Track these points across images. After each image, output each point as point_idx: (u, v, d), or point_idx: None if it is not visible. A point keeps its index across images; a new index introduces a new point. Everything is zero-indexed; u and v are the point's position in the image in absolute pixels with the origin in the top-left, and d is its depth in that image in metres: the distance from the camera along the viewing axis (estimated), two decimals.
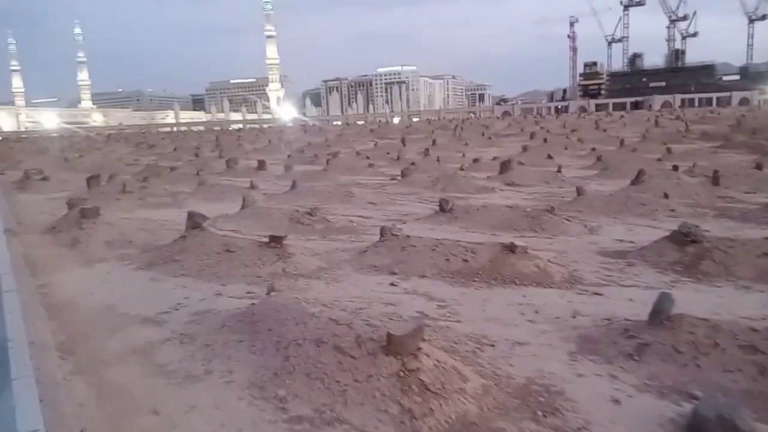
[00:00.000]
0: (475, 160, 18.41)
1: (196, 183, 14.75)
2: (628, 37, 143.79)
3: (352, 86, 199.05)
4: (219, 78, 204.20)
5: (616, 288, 5.89)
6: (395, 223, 9.75)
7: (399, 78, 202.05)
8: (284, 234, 6.80)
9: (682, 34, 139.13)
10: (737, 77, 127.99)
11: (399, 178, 15.70)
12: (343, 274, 6.44)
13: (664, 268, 6.48)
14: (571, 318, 4.99)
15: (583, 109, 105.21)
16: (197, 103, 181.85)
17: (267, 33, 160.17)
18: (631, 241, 7.96)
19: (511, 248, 6.39)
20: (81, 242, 7.92)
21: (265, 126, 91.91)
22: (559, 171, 15.12)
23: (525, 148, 22.29)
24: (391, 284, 5.98)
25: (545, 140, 25.08)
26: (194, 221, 7.45)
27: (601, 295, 5.67)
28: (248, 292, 5.74)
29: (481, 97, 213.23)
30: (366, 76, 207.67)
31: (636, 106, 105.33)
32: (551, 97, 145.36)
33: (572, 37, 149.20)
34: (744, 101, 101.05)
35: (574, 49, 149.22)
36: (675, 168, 14.91)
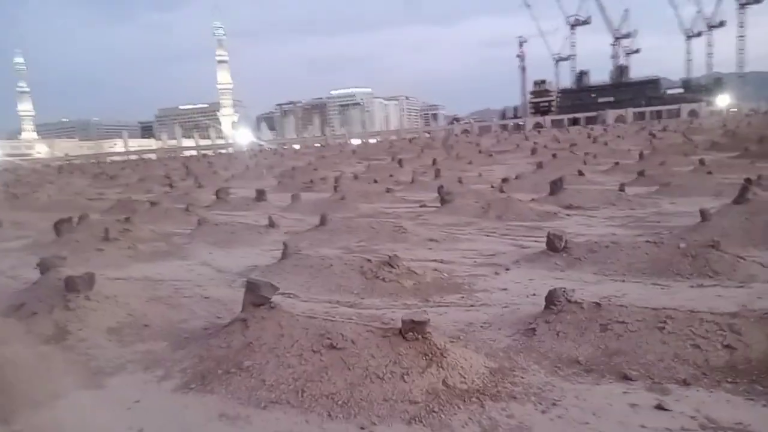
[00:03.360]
0: (504, 180, 16.13)
1: (191, 221, 11.87)
2: (575, 55, 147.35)
3: (306, 109, 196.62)
4: (169, 104, 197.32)
5: None
6: (497, 269, 7.31)
7: (353, 100, 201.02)
8: (425, 317, 4.17)
9: (625, 51, 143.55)
10: (681, 90, 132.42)
11: (432, 204, 13.29)
12: (542, 382, 3.87)
13: None
14: None
15: (538, 125, 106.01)
16: (146, 131, 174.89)
17: (219, 58, 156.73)
18: None
19: None
20: (71, 333, 5.05)
21: (221, 151, 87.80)
22: (622, 189, 12.98)
23: (540, 165, 20.28)
24: (658, 407, 3.45)
25: (554, 156, 23.15)
26: (257, 295, 4.74)
27: None
28: None
29: (435, 117, 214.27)
30: (320, 98, 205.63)
31: (589, 121, 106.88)
32: (503, 114, 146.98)
33: (521, 57, 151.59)
34: (693, 113, 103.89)
35: (523, 69, 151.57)
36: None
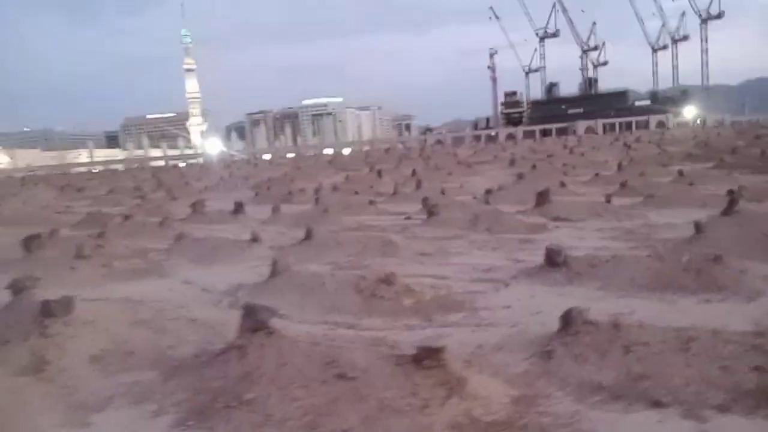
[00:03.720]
0: (488, 191, 16.03)
1: (167, 236, 11.40)
2: (544, 66, 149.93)
3: (278, 119, 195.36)
4: (135, 113, 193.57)
5: None
6: (496, 285, 7.09)
7: (325, 110, 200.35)
8: (441, 344, 3.91)
9: (593, 63, 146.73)
10: (648, 102, 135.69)
11: (417, 217, 13.05)
12: (569, 412, 3.63)
13: None
14: None
15: (511, 136, 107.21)
16: (111, 141, 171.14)
17: (186, 66, 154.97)
18: None
19: None
20: (50, 363, 4.62)
21: (190, 161, 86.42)
22: (608, 201, 12.95)
23: (521, 176, 20.25)
24: None
25: (534, 167, 23.19)
26: (256, 319, 4.41)
27: None
28: None
29: (407, 127, 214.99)
30: (292, 108, 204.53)
31: (560, 132, 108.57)
32: (475, 125, 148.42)
33: (492, 68, 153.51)
34: (660, 124, 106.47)
35: (494, 80, 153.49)
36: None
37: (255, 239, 9.87)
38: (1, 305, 6.01)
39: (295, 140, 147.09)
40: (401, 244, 9.66)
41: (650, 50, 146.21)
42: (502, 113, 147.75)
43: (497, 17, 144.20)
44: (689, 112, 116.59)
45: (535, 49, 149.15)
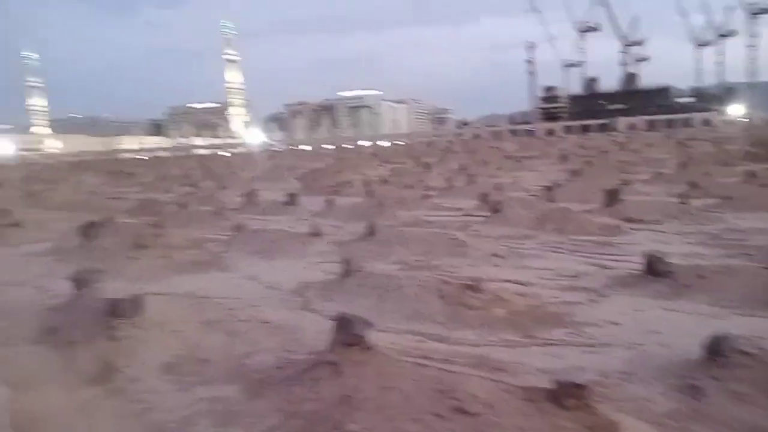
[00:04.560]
0: (548, 188, 15.23)
1: (223, 226, 11.03)
2: (584, 61, 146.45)
3: (315, 110, 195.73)
4: (178, 102, 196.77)
5: None
6: (591, 296, 6.39)
7: (362, 102, 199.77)
8: (586, 379, 3.28)
9: (634, 58, 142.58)
10: (691, 99, 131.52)
11: (477, 213, 12.38)
12: None
13: None
14: None
15: (550, 132, 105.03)
16: (155, 128, 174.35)
17: (228, 57, 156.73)
18: None
19: None
20: (120, 372, 4.17)
21: (233, 150, 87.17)
22: (684, 203, 12.02)
23: (576, 173, 19.32)
24: None
25: (589, 163, 22.19)
26: (351, 333, 3.86)
27: None
28: None
29: (443, 121, 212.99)
30: (329, 100, 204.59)
31: (601, 128, 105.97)
32: (512, 120, 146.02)
33: (531, 62, 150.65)
34: (706, 122, 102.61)
35: (532, 74, 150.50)
36: None
37: (315, 233, 9.37)
38: (63, 298, 5.64)
39: (332, 132, 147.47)
40: (470, 243, 9.01)
41: (693, 46, 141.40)
42: (539, 108, 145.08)
43: (537, 10, 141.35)
44: (735, 110, 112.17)
45: (575, 44, 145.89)
